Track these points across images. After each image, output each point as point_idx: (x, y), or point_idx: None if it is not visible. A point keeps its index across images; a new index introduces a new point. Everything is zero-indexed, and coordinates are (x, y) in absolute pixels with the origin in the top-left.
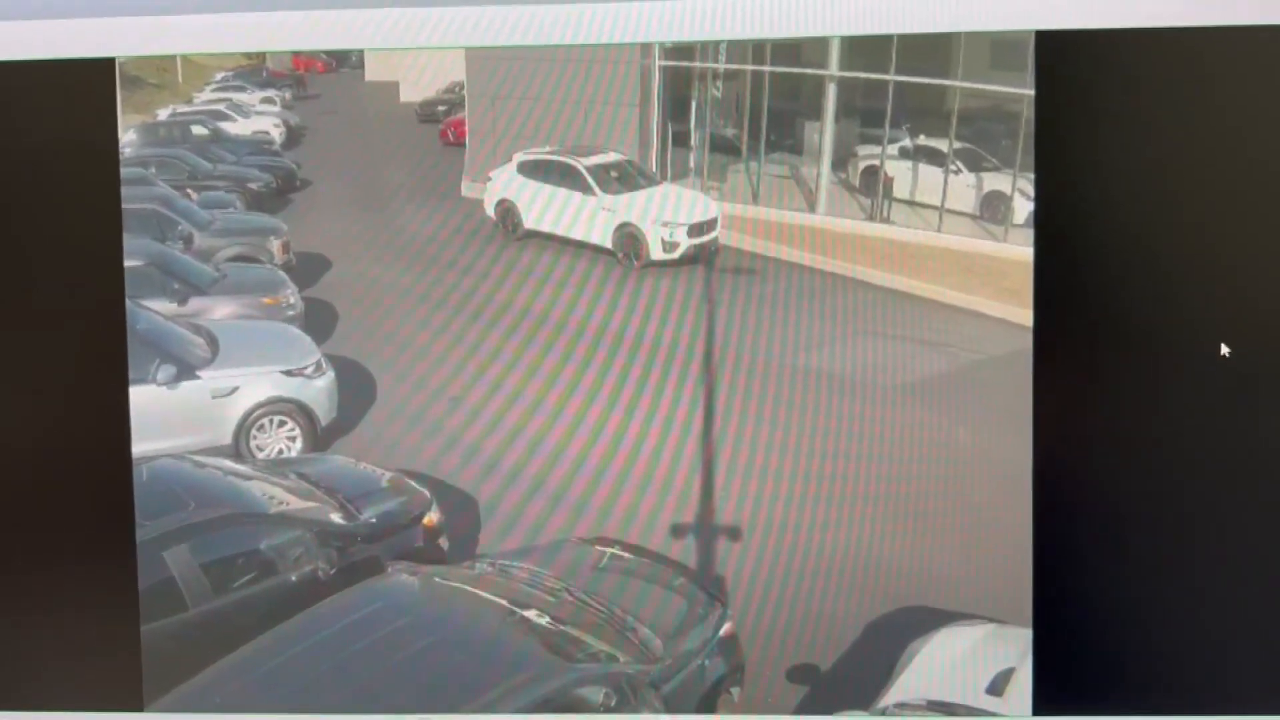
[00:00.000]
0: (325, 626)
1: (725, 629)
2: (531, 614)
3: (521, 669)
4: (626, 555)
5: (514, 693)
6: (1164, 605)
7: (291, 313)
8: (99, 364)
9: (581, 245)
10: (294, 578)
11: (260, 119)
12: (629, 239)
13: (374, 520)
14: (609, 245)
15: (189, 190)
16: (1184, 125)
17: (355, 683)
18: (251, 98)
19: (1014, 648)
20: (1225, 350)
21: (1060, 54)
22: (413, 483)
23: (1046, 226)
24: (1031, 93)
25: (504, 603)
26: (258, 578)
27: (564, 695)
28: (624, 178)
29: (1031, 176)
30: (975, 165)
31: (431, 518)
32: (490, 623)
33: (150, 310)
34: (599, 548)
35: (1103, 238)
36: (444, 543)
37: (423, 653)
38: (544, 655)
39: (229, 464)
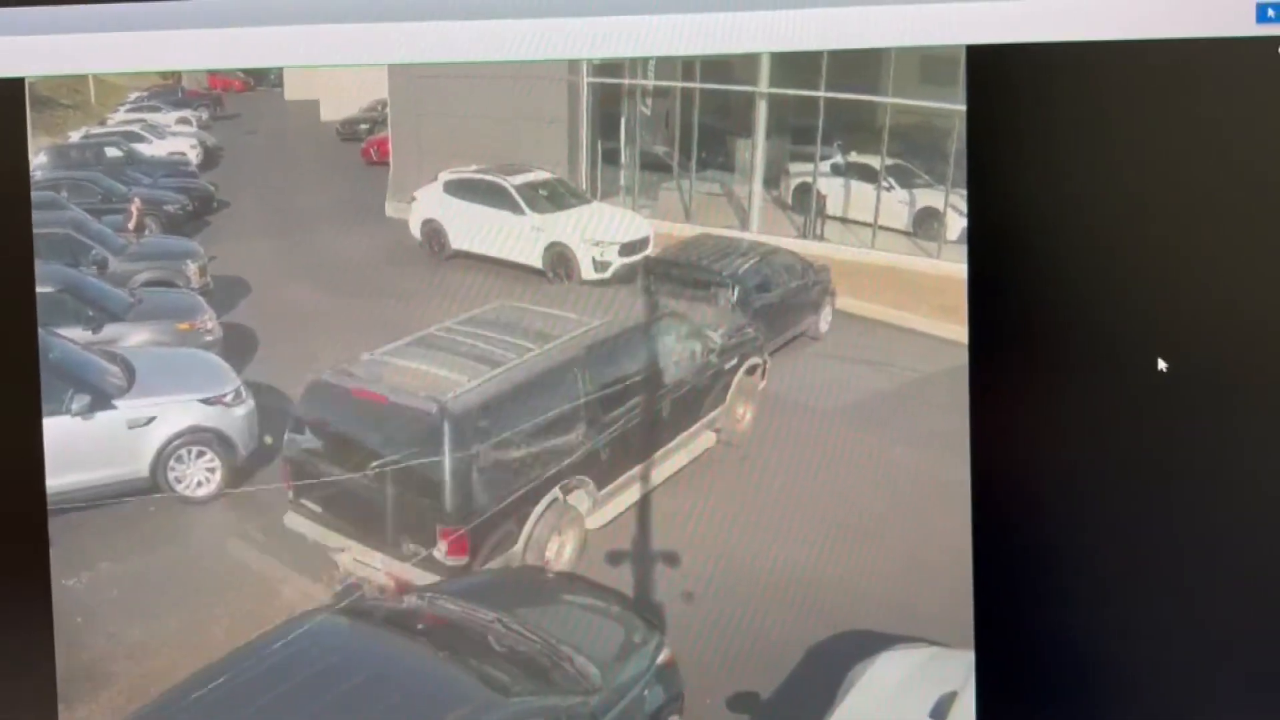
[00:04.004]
0: (251, 666)
1: (664, 657)
2: (466, 647)
3: (457, 705)
4: (561, 584)
5: None
6: (1106, 626)
7: (210, 338)
8: (11, 395)
9: (511, 266)
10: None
11: (176, 140)
12: (559, 258)
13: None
14: (539, 265)
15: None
16: (1115, 139)
17: None
18: (167, 118)
19: (957, 671)
20: (1162, 365)
21: (991, 69)
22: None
23: (980, 242)
24: (963, 108)
25: (438, 637)
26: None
27: None
28: (553, 196)
29: (964, 192)
30: (907, 181)
31: None
32: (423, 658)
33: (63, 338)
34: (534, 577)
35: (1036, 253)
36: None
37: (353, 691)
38: (480, 690)
39: None
